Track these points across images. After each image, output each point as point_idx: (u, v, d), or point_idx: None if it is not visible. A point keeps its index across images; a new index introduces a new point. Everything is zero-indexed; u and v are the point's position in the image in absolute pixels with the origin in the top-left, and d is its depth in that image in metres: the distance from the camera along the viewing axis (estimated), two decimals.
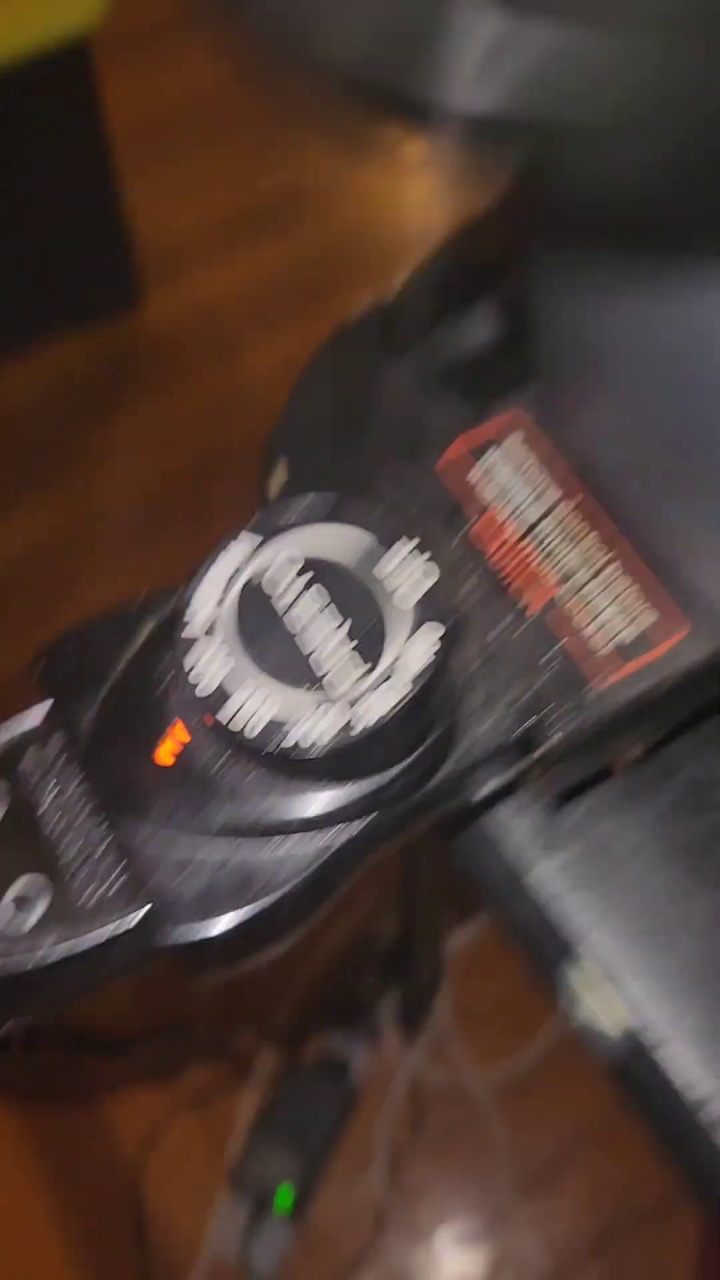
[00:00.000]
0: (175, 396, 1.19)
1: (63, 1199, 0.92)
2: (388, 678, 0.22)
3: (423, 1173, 0.92)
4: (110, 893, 0.23)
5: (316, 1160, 0.91)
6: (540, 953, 0.28)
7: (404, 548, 0.23)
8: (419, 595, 0.23)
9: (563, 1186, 0.90)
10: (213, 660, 0.22)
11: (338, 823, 0.23)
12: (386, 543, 0.23)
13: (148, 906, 0.23)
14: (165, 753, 0.23)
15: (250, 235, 1.27)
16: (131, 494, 1.13)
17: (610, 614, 0.25)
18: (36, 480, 1.13)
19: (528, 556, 0.26)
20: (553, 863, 0.28)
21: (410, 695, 0.22)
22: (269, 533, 0.23)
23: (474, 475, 0.26)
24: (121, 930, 0.23)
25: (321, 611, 0.23)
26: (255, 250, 1.27)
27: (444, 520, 0.26)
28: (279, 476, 0.38)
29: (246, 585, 0.23)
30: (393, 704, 0.22)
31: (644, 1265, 0.87)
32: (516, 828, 0.29)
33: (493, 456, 0.26)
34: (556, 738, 0.25)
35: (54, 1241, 0.90)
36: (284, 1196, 0.89)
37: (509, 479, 0.26)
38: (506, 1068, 0.93)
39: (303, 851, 0.23)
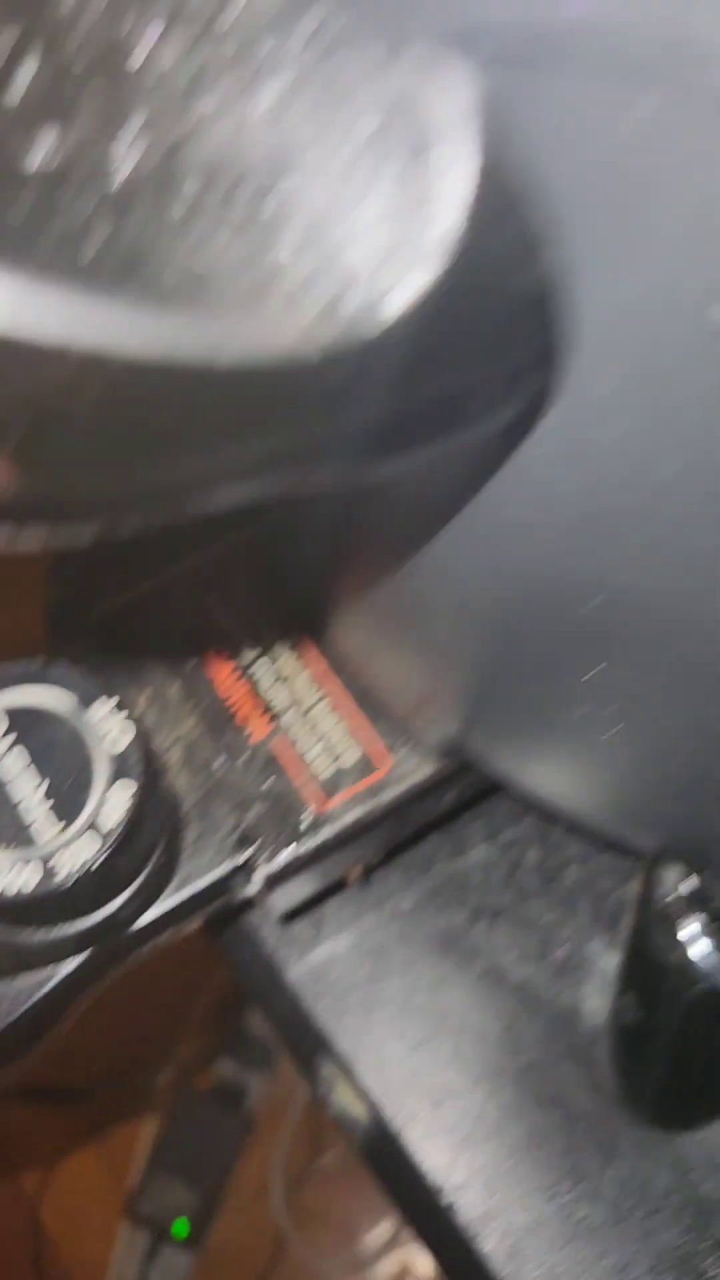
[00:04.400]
0: None
1: None
2: (85, 832, 0.24)
3: (321, 1197, 0.94)
4: None
5: (213, 1189, 0.93)
6: (296, 1046, 0.30)
7: (103, 706, 0.25)
8: (116, 751, 0.24)
9: None
10: None
11: (50, 961, 0.25)
12: (87, 701, 0.25)
13: None
14: None
15: None
16: None
17: (321, 748, 0.27)
18: None
19: (252, 686, 0.28)
20: (303, 964, 0.30)
21: (105, 849, 0.24)
22: None
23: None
24: None
25: (25, 769, 0.24)
26: None
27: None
28: None
29: None
30: (87, 857, 0.24)
31: None
32: (267, 932, 0.30)
33: None
34: (274, 863, 0.27)
35: None
36: (180, 1227, 0.90)
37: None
38: None
39: (17, 989, 0.25)
